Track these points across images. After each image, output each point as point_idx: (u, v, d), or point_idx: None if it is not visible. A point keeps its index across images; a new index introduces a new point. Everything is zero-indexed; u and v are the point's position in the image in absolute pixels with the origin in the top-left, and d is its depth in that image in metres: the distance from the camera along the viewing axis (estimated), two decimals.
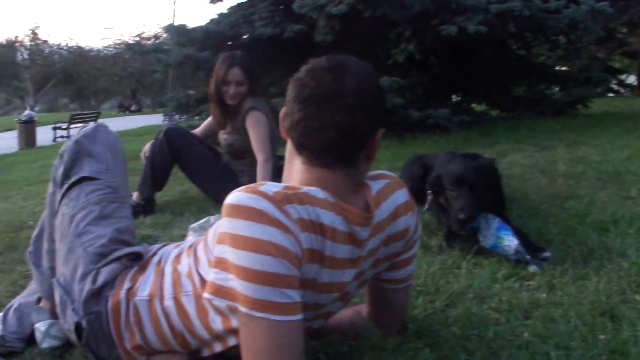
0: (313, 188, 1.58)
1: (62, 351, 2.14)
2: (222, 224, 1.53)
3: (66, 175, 2.20)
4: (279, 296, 1.43)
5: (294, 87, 1.63)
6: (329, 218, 1.56)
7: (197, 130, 4.89)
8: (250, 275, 1.43)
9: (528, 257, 2.71)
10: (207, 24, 9.43)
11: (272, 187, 1.52)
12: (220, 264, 1.51)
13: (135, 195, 4.47)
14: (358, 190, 1.71)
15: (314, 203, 1.54)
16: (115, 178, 2.24)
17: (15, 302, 2.37)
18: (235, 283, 1.46)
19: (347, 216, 1.60)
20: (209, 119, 4.85)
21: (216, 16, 9.75)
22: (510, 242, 2.78)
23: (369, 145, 1.65)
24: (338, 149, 1.60)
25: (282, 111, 1.69)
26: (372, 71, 1.67)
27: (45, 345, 2.14)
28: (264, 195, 1.48)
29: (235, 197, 1.51)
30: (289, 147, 1.73)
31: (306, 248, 1.50)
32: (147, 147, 4.58)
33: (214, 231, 1.68)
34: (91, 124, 2.41)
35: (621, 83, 20.83)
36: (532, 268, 2.67)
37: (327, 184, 1.62)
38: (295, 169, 1.70)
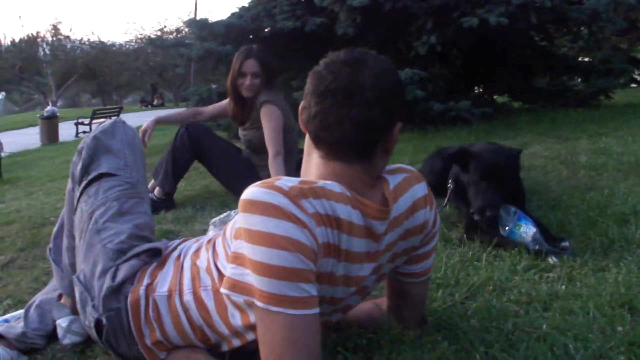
0: (329, 182, 1.59)
1: (83, 347, 2.17)
2: (239, 219, 1.54)
3: (85, 171, 2.21)
4: (295, 290, 1.44)
5: (312, 81, 1.64)
6: (345, 212, 1.56)
7: (209, 108, 4.93)
8: (266, 270, 1.44)
9: (546, 246, 2.71)
10: (229, 17, 9.43)
11: (287, 182, 1.53)
12: (237, 259, 1.53)
13: (156, 191, 4.50)
14: (375, 184, 1.72)
15: (330, 197, 1.54)
16: (133, 174, 2.25)
17: (37, 298, 2.40)
18: (251, 278, 1.47)
19: (363, 210, 1.61)
20: (225, 102, 4.85)
21: (237, 10, 9.75)
22: (529, 229, 2.78)
23: (387, 139, 1.65)
24: (354, 143, 1.61)
25: (301, 104, 1.70)
26: (390, 65, 1.67)
27: (66, 341, 2.16)
28: (280, 190, 1.49)
29: (251, 192, 1.51)
30: (307, 140, 1.74)
31: (322, 242, 1.51)
32: (144, 127, 4.46)
33: (232, 225, 1.69)
34: (109, 120, 2.42)
35: None
36: (552, 260, 2.67)
37: (344, 178, 1.63)
38: (313, 162, 1.71)
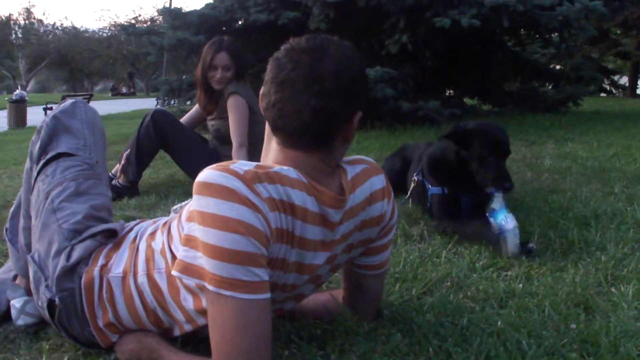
0: (286, 167, 1.58)
1: (36, 329, 2.13)
2: (193, 202, 1.52)
3: (43, 150, 2.18)
4: (247, 275, 1.43)
5: (272, 68, 1.62)
6: (300, 198, 1.56)
7: (183, 119, 4.90)
8: (218, 253, 1.43)
9: (518, 242, 2.76)
10: (203, 8, 9.40)
11: (243, 165, 1.51)
12: (190, 241, 1.51)
13: (120, 178, 4.46)
14: (334, 173, 1.71)
15: (285, 182, 1.53)
16: (92, 154, 2.21)
17: None
18: (203, 261, 1.46)
19: (319, 197, 1.60)
20: (195, 107, 4.88)
21: (212, 1, 9.72)
22: (511, 220, 2.81)
23: (346, 128, 1.64)
24: (313, 132, 1.59)
25: (261, 90, 1.68)
26: (353, 53, 1.65)
27: (20, 322, 2.12)
28: (235, 173, 1.48)
29: (205, 174, 1.50)
30: (267, 126, 1.72)
31: (275, 227, 1.50)
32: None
33: (187, 209, 1.67)
34: (70, 100, 2.38)
35: (614, 83, 20.87)
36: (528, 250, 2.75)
37: (301, 165, 1.61)
38: (272, 149, 1.70)
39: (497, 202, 2.92)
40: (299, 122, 1.57)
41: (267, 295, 1.48)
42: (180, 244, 1.56)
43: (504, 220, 2.80)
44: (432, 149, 3.55)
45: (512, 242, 2.73)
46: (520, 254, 2.72)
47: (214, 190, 1.46)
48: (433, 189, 3.39)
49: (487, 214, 2.92)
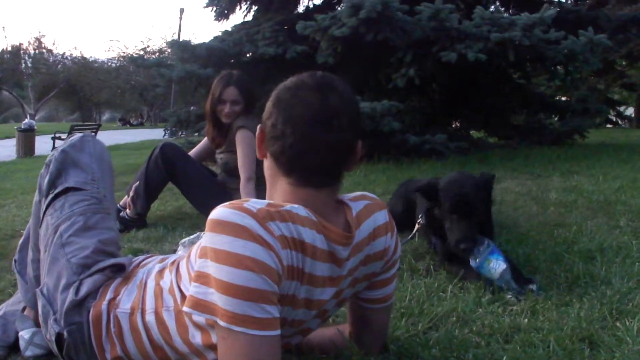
0: (296, 205, 1.60)
1: None
2: (205, 239, 1.54)
3: (52, 184, 2.21)
4: (259, 311, 1.45)
5: (282, 109, 1.64)
6: (310, 236, 1.58)
7: (192, 152, 4.93)
8: (231, 290, 1.44)
9: (513, 285, 2.72)
10: (211, 41, 9.48)
11: (255, 204, 1.54)
12: (201, 277, 1.52)
13: (128, 210, 4.49)
14: (339, 209, 1.75)
15: (296, 220, 1.56)
16: (100, 189, 2.24)
17: (1, 309, 2.39)
18: (215, 297, 1.47)
19: (328, 235, 1.63)
20: (204, 140, 4.91)
21: (220, 34, 9.80)
22: (498, 266, 2.79)
23: (352, 160, 1.70)
24: (328, 168, 1.64)
25: (262, 129, 1.71)
26: (348, 85, 1.70)
27: (28, 353, 2.15)
28: (248, 211, 1.50)
29: (219, 212, 1.52)
30: (270, 169, 1.74)
31: (287, 265, 1.52)
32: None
33: (197, 247, 1.69)
34: (78, 134, 2.41)
35: (620, 115, 20.91)
36: (509, 296, 2.68)
37: (311, 203, 1.64)
38: (279, 190, 1.71)
39: (479, 253, 2.90)
40: (317, 158, 1.61)
41: (278, 332, 1.49)
42: (192, 280, 1.58)
43: (490, 271, 2.81)
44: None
45: (508, 287, 2.74)
46: (519, 293, 2.71)
47: (227, 227, 1.48)
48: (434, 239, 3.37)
49: (474, 266, 2.90)
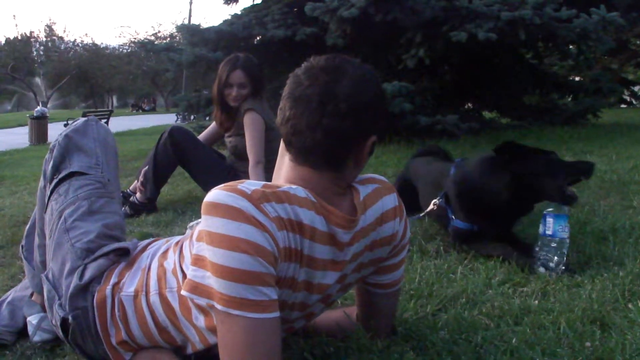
0: (294, 186, 1.58)
1: (52, 345, 2.16)
2: (201, 222, 1.53)
3: (56, 169, 2.21)
4: (255, 294, 1.43)
5: (289, 84, 1.64)
6: (308, 217, 1.56)
7: (201, 136, 4.93)
8: (226, 273, 1.43)
9: (564, 260, 2.74)
10: (220, 24, 9.42)
11: (250, 185, 1.52)
12: (198, 261, 1.51)
13: (138, 194, 4.49)
14: (345, 193, 1.72)
15: (293, 201, 1.54)
16: (104, 173, 2.23)
17: (9, 295, 2.40)
18: (211, 281, 1.46)
19: (328, 217, 1.61)
20: (212, 124, 4.90)
21: (229, 17, 9.77)
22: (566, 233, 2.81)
23: (358, 152, 1.65)
24: (323, 151, 1.60)
25: (280, 105, 1.69)
26: (372, 76, 1.65)
27: (36, 338, 2.15)
28: (242, 193, 1.48)
29: (213, 195, 1.51)
30: (282, 142, 1.74)
31: (283, 246, 1.50)
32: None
33: (198, 228, 1.68)
34: (82, 119, 2.40)
35: (634, 94, 20.70)
36: (543, 270, 2.71)
37: (311, 184, 1.62)
38: (284, 164, 1.71)
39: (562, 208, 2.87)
40: (311, 139, 1.57)
41: (276, 314, 1.48)
42: (190, 264, 1.57)
43: (561, 228, 2.80)
44: (462, 175, 3.29)
45: (559, 260, 2.72)
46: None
47: (221, 210, 1.47)
48: (458, 223, 3.21)
49: (545, 213, 2.88)
